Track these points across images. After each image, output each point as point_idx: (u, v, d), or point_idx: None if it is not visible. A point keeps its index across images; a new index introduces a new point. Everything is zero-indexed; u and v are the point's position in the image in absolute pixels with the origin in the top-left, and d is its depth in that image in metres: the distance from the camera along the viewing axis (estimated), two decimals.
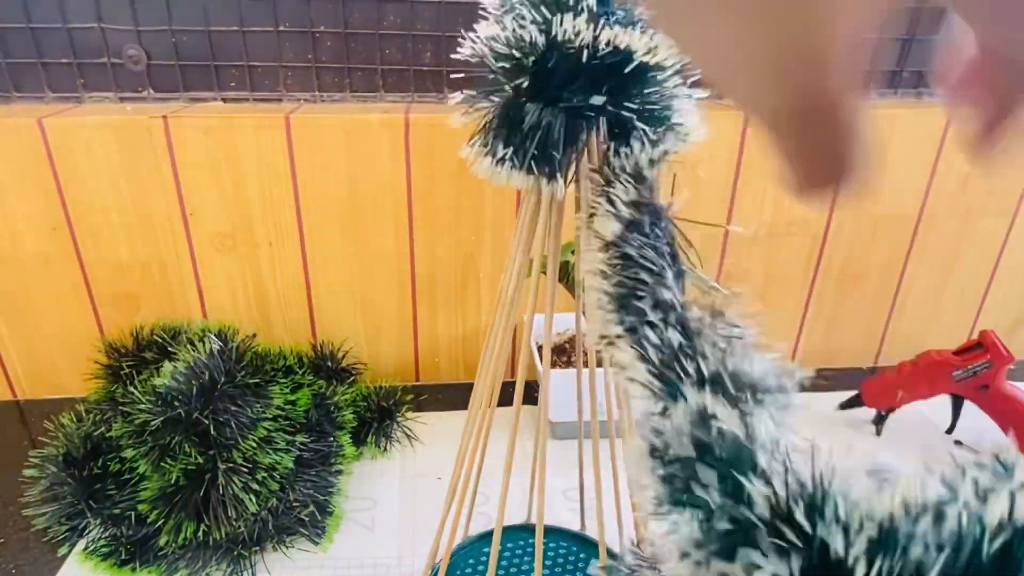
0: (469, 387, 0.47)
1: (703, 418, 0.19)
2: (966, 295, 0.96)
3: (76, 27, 0.77)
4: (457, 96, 0.35)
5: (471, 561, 0.56)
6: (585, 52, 0.29)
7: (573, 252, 0.49)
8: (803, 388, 0.22)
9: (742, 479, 0.17)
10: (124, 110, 0.78)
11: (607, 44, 0.28)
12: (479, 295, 0.87)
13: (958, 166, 0.86)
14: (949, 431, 0.79)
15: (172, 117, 0.73)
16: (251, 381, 0.65)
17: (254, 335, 0.74)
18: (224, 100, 0.82)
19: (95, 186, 0.75)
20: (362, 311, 0.86)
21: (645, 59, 0.29)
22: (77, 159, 0.74)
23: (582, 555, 0.57)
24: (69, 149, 0.74)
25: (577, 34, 0.28)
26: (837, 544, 0.15)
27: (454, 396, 0.87)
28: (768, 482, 0.16)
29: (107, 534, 0.60)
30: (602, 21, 0.29)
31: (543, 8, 0.30)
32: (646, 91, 0.30)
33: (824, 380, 0.89)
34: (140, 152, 0.74)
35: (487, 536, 0.57)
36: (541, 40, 0.29)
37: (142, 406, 0.58)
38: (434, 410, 0.83)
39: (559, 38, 0.29)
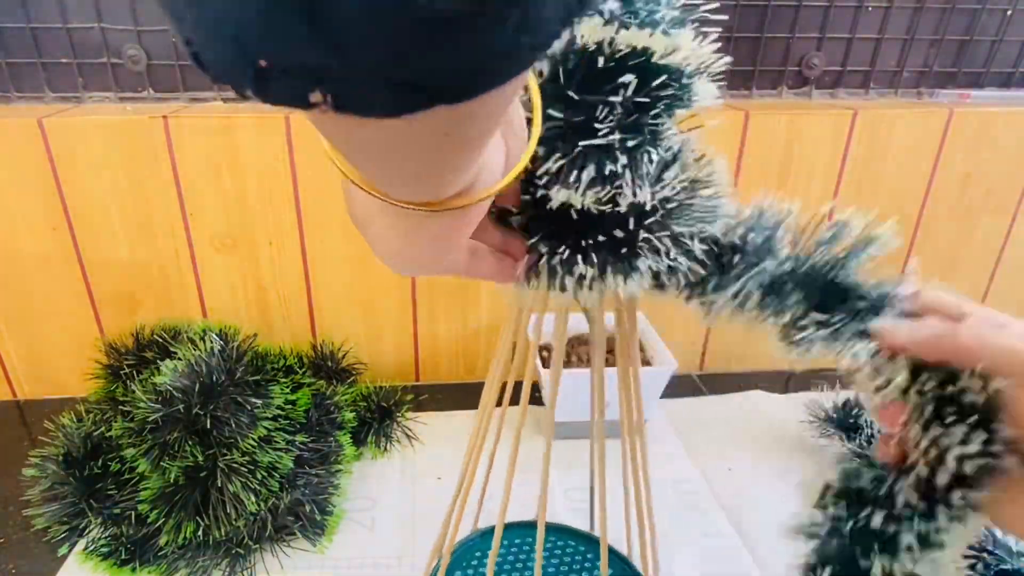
0: (469, 387, 0.47)
1: None
2: (966, 295, 0.96)
3: (76, 27, 0.77)
4: None
5: (477, 554, 0.56)
6: (602, 57, 0.29)
7: None
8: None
9: None
10: (124, 110, 0.78)
11: (627, 46, 0.29)
12: (479, 295, 0.87)
13: (958, 166, 0.86)
14: None
15: (172, 117, 0.73)
16: (251, 380, 0.65)
17: (255, 335, 0.74)
18: (224, 100, 0.82)
19: (95, 186, 0.75)
20: (362, 311, 0.86)
21: (664, 60, 0.29)
22: (77, 159, 0.74)
23: (588, 554, 0.57)
24: (69, 149, 0.74)
25: (597, 39, 0.29)
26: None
27: (454, 396, 0.87)
28: None
29: (107, 534, 0.60)
30: (617, 24, 0.29)
31: None
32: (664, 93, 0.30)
33: (824, 380, 0.89)
34: (140, 152, 0.74)
35: (491, 532, 0.58)
36: (558, 45, 0.29)
37: (142, 403, 0.58)
38: (434, 410, 0.83)
39: (577, 42, 0.29)
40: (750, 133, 0.80)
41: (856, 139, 0.83)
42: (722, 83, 0.32)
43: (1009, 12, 0.87)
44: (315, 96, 0.13)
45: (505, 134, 0.25)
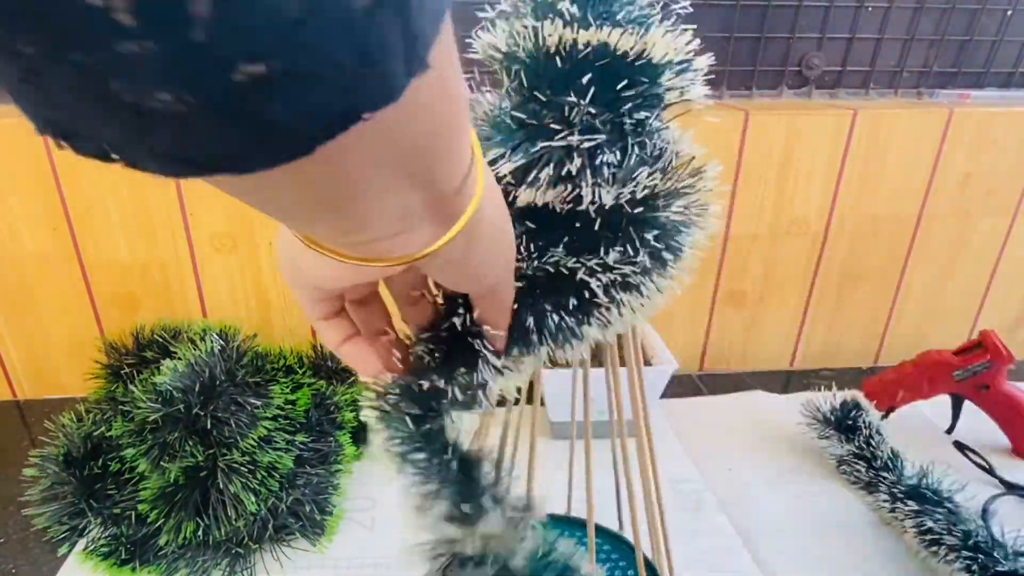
0: None
1: None
2: (966, 295, 0.96)
3: None
4: None
5: None
6: (558, 57, 0.29)
7: None
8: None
9: None
10: None
11: (586, 45, 0.29)
12: None
13: (958, 166, 0.86)
14: (949, 431, 0.79)
15: None
16: (251, 380, 0.65)
17: (255, 335, 0.74)
18: None
19: (95, 186, 0.75)
20: None
21: (635, 60, 0.29)
22: (77, 159, 0.74)
23: (613, 553, 0.58)
24: None
25: (559, 39, 0.29)
26: None
27: None
28: None
29: (107, 534, 0.60)
30: (577, 24, 0.29)
31: (530, 14, 0.30)
32: (633, 92, 0.30)
33: (824, 380, 0.89)
34: None
35: None
36: (529, 46, 0.30)
37: (142, 403, 0.58)
38: None
39: (543, 43, 0.29)
40: (750, 133, 0.80)
41: (856, 139, 0.83)
42: (715, 81, 0.32)
43: (1009, 12, 0.87)
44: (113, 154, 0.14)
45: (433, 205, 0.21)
